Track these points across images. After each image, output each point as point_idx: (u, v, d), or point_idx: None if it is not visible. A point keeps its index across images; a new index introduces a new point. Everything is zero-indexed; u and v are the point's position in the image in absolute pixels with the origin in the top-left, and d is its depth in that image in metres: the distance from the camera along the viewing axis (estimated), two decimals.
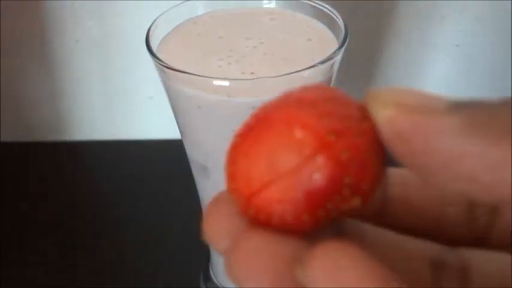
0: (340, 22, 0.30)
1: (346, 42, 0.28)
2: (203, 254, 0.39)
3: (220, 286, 0.38)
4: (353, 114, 0.14)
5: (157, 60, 0.27)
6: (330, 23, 0.31)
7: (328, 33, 0.30)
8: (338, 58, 0.28)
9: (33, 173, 0.50)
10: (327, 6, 0.31)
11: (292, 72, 0.26)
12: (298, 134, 0.13)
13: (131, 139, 0.53)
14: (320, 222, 0.14)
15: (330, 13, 0.31)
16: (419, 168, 0.13)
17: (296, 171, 0.13)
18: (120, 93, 0.51)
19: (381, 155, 0.14)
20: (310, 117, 0.13)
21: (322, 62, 0.27)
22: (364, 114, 0.14)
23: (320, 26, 0.31)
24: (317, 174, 0.13)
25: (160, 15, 0.30)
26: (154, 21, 0.30)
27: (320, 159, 0.13)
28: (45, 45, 0.48)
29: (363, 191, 0.13)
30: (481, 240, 0.17)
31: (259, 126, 0.14)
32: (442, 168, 0.12)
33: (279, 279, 0.13)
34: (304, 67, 0.26)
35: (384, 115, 0.13)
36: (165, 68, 0.27)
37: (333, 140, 0.13)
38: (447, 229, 0.17)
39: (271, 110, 0.14)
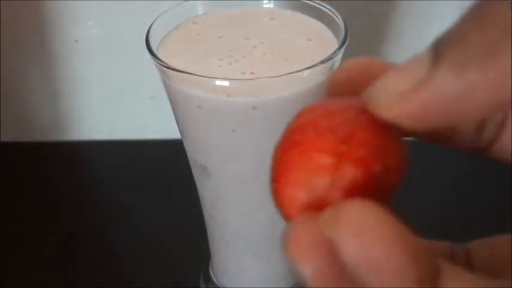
0: (340, 22, 0.30)
1: (346, 42, 0.28)
2: (203, 254, 0.39)
3: (220, 286, 0.38)
4: (350, 115, 0.15)
5: (157, 60, 0.27)
6: (330, 23, 0.31)
7: (328, 33, 0.30)
8: (338, 58, 0.28)
9: (33, 173, 0.50)
10: (327, 6, 0.31)
11: (292, 72, 0.26)
12: (317, 158, 0.15)
13: (131, 139, 0.53)
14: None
15: (330, 13, 0.31)
16: (451, 124, 0.14)
17: (332, 188, 0.15)
18: (120, 93, 0.51)
19: (388, 127, 0.15)
20: (318, 141, 0.15)
21: (322, 62, 0.27)
22: (359, 106, 0.15)
23: (320, 26, 0.31)
24: (351, 178, 0.15)
25: (160, 15, 0.30)
26: (154, 21, 0.30)
27: (346, 167, 0.15)
28: (45, 45, 0.48)
29: (394, 166, 0.15)
30: (483, 151, 0.18)
31: (283, 165, 0.16)
32: (462, 111, 0.13)
33: (312, 247, 0.14)
34: (304, 67, 0.26)
35: (393, 114, 0.14)
36: (165, 68, 0.27)
37: (345, 148, 0.15)
38: (457, 141, 0.18)
39: (285, 149, 0.16)
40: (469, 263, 0.18)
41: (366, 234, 0.13)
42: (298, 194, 0.15)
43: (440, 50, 0.13)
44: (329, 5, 0.31)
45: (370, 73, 0.16)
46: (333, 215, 0.14)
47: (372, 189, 0.15)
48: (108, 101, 0.51)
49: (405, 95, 0.14)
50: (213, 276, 0.39)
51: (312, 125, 0.16)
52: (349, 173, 0.15)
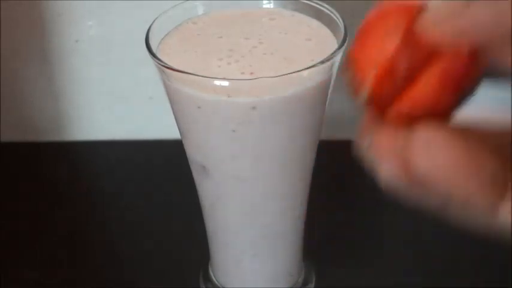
0: (340, 22, 0.30)
1: (346, 42, 0.28)
2: (203, 254, 0.39)
3: (220, 286, 0.38)
4: None
5: (157, 60, 0.27)
6: (329, 23, 0.31)
7: (328, 33, 0.30)
8: (338, 58, 0.28)
9: (33, 173, 0.50)
10: (326, 6, 0.31)
11: (292, 72, 0.26)
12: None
13: (131, 139, 0.53)
14: None
15: (330, 13, 0.31)
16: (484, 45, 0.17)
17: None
18: (120, 93, 0.51)
19: None
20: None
21: (322, 62, 0.27)
22: None
23: (320, 26, 0.31)
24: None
25: (160, 15, 0.30)
26: (154, 21, 0.30)
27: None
28: (45, 45, 0.48)
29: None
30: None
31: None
32: (496, 32, 0.16)
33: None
34: (304, 67, 0.26)
35: (441, 30, 0.17)
36: (165, 68, 0.27)
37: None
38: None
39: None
40: None
41: (435, 149, 0.16)
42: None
43: None
44: (329, 5, 0.31)
45: None
46: (406, 135, 0.17)
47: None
48: (108, 101, 0.51)
49: (450, 16, 0.16)
50: (212, 276, 0.39)
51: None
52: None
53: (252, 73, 0.27)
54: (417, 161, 0.16)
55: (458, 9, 0.16)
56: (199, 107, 0.28)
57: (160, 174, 0.49)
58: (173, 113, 0.31)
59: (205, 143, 0.30)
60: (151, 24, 0.30)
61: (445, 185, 0.16)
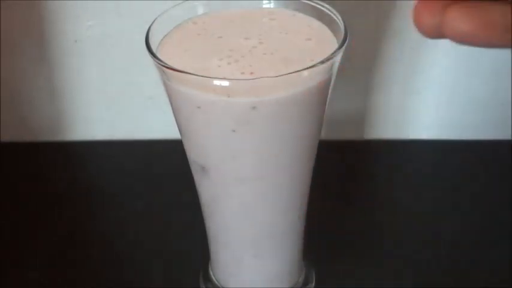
0: (340, 22, 0.30)
1: (346, 42, 0.28)
2: (203, 254, 0.39)
3: (220, 286, 0.38)
4: None
5: (157, 60, 0.27)
6: (330, 23, 0.31)
7: (328, 33, 0.30)
8: (338, 58, 0.28)
9: (33, 173, 0.50)
10: (327, 6, 0.31)
11: (292, 72, 0.26)
12: None
13: (131, 139, 0.53)
14: None
15: (330, 13, 0.31)
16: None
17: None
18: (120, 93, 0.51)
19: None
20: None
21: (322, 62, 0.27)
22: None
23: (320, 26, 0.31)
24: None
25: (160, 15, 0.30)
26: (154, 21, 0.30)
27: None
28: (45, 45, 0.48)
29: None
30: None
31: None
32: None
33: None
34: (304, 67, 0.26)
35: None
36: (165, 68, 0.27)
37: None
38: None
39: None
40: None
41: (459, 24, 0.20)
42: None
43: None
44: (329, 5, 0.31)
45: None
46: (442, 12, 0.21)
47: None
48: (107, 101, 0.52)
49: None
50: (212, 276, 0.39)
51: None
52: None
53: (252, 73, 0.27)
54: (446, 30, 0.21)
55: None
56: (199, 107, 0.28)
57: (160, 174, 0.49)
58: (173, 113, 0.31)
59: (205, 143, 0.30)
60: (151, 24, 0.30)
61: (470, 40, 0.20)
